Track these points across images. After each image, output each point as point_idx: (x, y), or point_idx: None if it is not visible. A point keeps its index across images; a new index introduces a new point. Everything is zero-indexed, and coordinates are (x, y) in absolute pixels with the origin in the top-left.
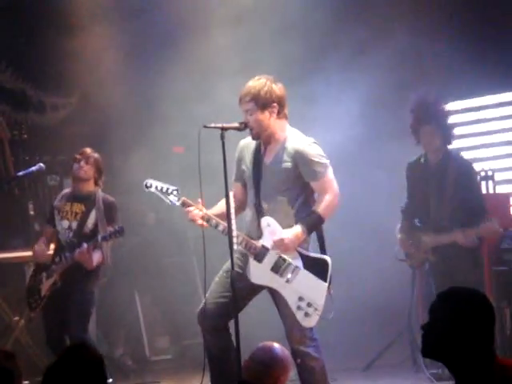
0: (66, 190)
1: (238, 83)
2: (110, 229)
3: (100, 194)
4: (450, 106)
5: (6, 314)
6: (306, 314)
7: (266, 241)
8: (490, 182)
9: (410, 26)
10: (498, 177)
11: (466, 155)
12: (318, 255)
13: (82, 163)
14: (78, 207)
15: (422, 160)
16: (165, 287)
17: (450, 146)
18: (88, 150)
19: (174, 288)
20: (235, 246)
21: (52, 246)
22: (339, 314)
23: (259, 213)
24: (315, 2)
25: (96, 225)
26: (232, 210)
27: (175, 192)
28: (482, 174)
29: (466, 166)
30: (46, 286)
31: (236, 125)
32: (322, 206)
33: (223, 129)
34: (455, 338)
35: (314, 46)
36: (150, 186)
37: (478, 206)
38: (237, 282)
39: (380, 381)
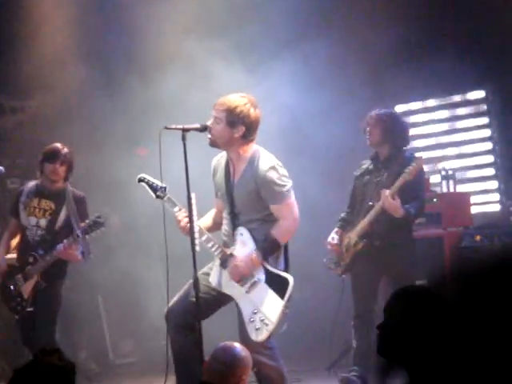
0: (31, 185)
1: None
2: (88, 222)
3: (69, 189)
4: (413, 106)
5: None
6: (257, 329)
7: (236, 250)
8: (451, 181)
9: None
10: (458, 176)
11: (427, 154)
12: (281, 272)
13: (57, 165)
14: (47, 204)
15: (370, 158)
16: (128, 290)
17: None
18: (61, 149)
19: (138, 291)
20: (197, 248)
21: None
22: (305, 312)
23: (234, 223)
24: None
25: (66, 221)
26: (195, 212)
27: (163, 189)
28: (443, 173)
29: (410, 158)
30: (27, 287)
31: (197, 126)
32: (279, 232)
33: (184, 130)
34: (409, 336)
35: None
36: (143, 180)
37: (415, 191)
38: (210, 288)
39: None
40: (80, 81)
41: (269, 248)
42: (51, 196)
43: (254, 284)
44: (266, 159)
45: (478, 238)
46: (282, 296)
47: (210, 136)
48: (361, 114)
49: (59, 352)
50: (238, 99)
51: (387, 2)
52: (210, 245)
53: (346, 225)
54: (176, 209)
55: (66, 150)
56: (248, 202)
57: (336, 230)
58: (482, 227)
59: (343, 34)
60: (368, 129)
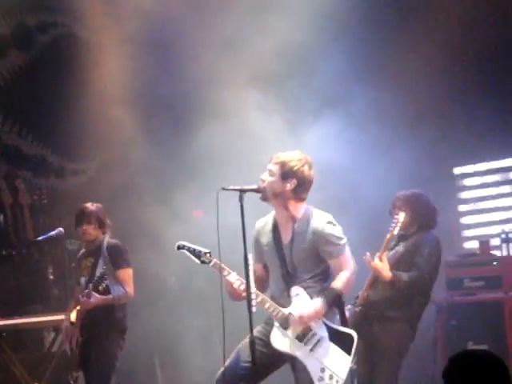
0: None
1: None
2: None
3: (106, 240)
4: (473, 168)
5: (24, 379)
6: None
7: (294, 309)
8: (511, 245)
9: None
10: None
11: (486, 217)
12: (344, 329)
13: (85, 227)
14: (89, 260)
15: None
16: (185, 351)
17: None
18: (84, 208)
19: (194, 352)
20: (254, 309)
21: None
22: None
23: (288, 282)
24: None
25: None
26: (251, 273)
27: (207, 255)
28: (503, 235)
29: (430, 239)
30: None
31: (255, 187)
32: (341, 282)
33: (242, 191)
34: None
35: None
36: (183, 247)
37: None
38: (262, 349)
39: None
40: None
41: (332, 299)
42: (92, 252)
43: (318, 342)
44: (322, 215)
45: None
46: (348, 352)
47: (263, 190)
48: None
49: None
50: (295, 155)
51: (440, 60)
52: (266, 306)
53: None
54: (225, 273)
55: (88, 208)
56: (303, 261)
57: None
58: None
59: (391, 89)
60: (396, 212)
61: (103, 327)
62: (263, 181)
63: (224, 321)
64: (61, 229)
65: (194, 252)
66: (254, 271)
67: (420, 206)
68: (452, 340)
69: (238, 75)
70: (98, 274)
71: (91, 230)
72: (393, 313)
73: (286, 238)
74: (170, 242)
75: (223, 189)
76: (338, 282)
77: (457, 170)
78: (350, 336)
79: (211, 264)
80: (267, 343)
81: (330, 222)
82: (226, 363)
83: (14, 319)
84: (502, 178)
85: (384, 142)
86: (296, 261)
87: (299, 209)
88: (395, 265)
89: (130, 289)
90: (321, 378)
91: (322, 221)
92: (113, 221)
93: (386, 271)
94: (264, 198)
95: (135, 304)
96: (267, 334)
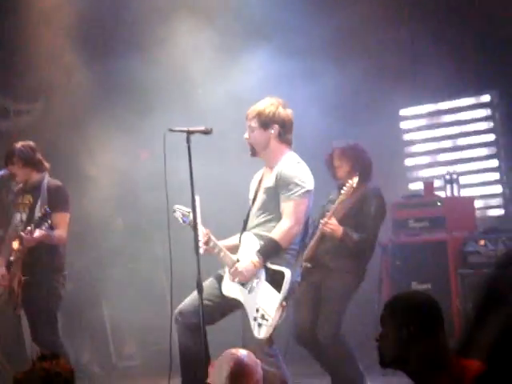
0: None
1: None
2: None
3: (46, 180)
4: (417, 110)
5: None
6: (259, 325)
7: (242, 254)
8: (455, 186)
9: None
10: (462, 180)
11: (431, 159)
12: (278, 267)
13: (10, 168)
14: (27, 198)
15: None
16: (131, 292)
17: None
18: (9, 149)
19: (141, 294)
20: (201, 251)
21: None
22: None
23: (244, 227)
24: None
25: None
26: (199, 215)
27: (188, 213)
28: (447, 177)
29: (374, 191)
30: (15, 284)
31: (202, 128)
32: (279, 233)
33: (189, 132)
34: (406, 344)
35: None
36: (175, 211)
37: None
38: (218, 294)
39: None
40: (84, 84)
41: (270, 250)
42: (30, 190)
43: (256, 284)
44: (293, 158)
45: (482, 242)
46: (278, 289)
47: (250, 146)
48: (363, 115)
49: (58, 357)
50: (267, 102)
51: (391, 2)
52: (216, 251)
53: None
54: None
55: (15, 148)
56: (264, 203)
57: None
58: (486, 232)
59: (349, 36)
60: (335, 164)
61: (45, 266)
62: (248, 139)
63: (171, 266)
64: (5, 170)
65: (183, 215)
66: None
67: (359, 156)
68: (396, 280)
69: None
70: (36, 213)
71: (17, 171)
72: (339, 263)
73: (264, 182)
74: (114, 183)
75: (170, 130)
76: (276, 232)
77: (402, 112)
78: (281, 273)
79: (188, 223)
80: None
81: (297, 164)
82: (186, 300)
83: None
84: (448, 120)
85: (324, 78)
86: (258, 204)
87: (282, 152)
88: (342, 220)
89: (63, 232)
90: (255, 318)
91: (288, 162)
92: (57, 162)
93: (338, 231)
94: (254, 154)
95: (80, 246)
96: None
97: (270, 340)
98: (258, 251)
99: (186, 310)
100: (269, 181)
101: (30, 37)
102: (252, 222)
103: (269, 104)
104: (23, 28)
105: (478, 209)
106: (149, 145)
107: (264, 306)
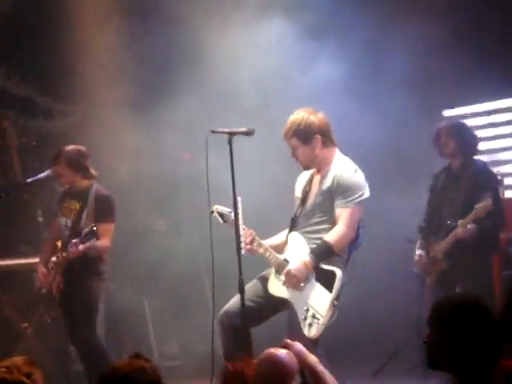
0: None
1: None
2: (86, 230)
3: (94, 188)
4: (461, 110)
5: (15, 321)
6: (310, 325)
7: (289, 254)
8: (500, 187)
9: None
10: (507, 181)
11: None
12: (329, 266)
13: (55, 167)
14: (73, 204)
15: (444, 169)
16: (174, 293)
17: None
18: (57, 150)
19: (184, 294)
20: (243, 252)
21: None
22: (350, 319)
23: (292, 227)
24: None
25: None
26: (240, 216)
27: (229, 214)
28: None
29: (485, 169)
30: (54, 288)
31: (244, 129)
32: (335, 237)
33: (231, 134)
34: (454, 347)
35: None
36: (213, 212)
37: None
38: (264, 294)
39: None
40: (128, 90)
41: (322, 253)
42: (76, 196)
43: (306, 283)
44: (347, 162)
45: None
46: (329, 289)
47: (300, 163)
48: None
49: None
50: (296, 118)
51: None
52: (261, 250)
53: (427, 236)
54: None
55: (64, 149)
56: (316, 205)
57: (419, 243)
58: None
59: (390, 40)
60: (442, 141)
61: (87, 270)
62: (296, 158)
63: (213, 267)
64: (50, 171)
65: (222, 215)
66: None
67: (466, 134)
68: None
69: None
70: (82, 221)
71: (62, 171)
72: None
73: (315, 185)
74: (158, 183)
75: (212, 131)
76: (330, 236)
77: (447, 113)
78: (333, 273)
79: (228, 223)
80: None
81: (353, 171)
82: (230, 302)
83: (3, 260)
84: (492, 120)
85: (371, 89)
86: (309, 205)
87: (327, 155)
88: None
89: (107, 242)
90: (305, 318)
91: (344, 167)
92: (101, 162)
93: (475, 234)
94: (306, 168)
95: (124, 246)
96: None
97: (316, 340)
98: (311, 252)
99: (230, 311)
100: (323, 183)
101: (74, 38)
102: (302, 222)
103: (301, 118)
104: (68, 29)
105: None
106: (191, 145)
107: (315, 306)
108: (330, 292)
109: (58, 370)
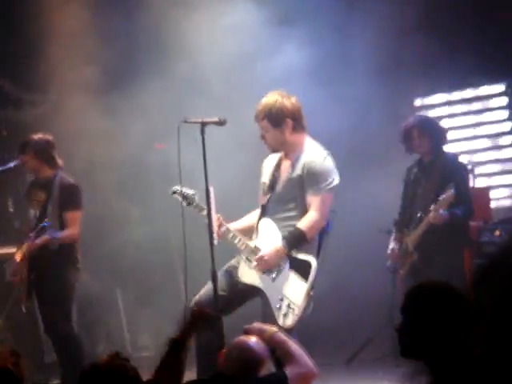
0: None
1: None
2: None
3: (58, 177)
4: (432, 100)
5: None
6: (284, 314)
7: (260, 241)
8: (470, 176)
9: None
10: (477, 170)
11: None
12: (304, 256)
13: (22, 156)
14: (39, 195)
15: (416, 163)
16: (146, 283)
17: (444, 148)
18: (25, 139)
19: (156, 284)
20: (216, 242)
21: None
22: (322, 308)
23: (263, 213)
24: None
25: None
26: (213, 206)
27: (193, 196)
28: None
29: (453, 160)
30: (24, 279)
31: (216, 119)
32: (307, 224)
33: (203, 123)
34: (427, 334)
35: None
36: (176, 192)
37: (460, 196)
38: (237, 279)
39: (362, 375)
40: (95, 77)
41: (295, 240)
42: (42, 186)
43: (279, 272)
44: (318, 149)
45: (497, 232)
46: (305, 279)
47: (268, 145)
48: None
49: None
50: (268, 100)
51: None
52: (229, 236)
53: (401, 229)
54: (204, 213)
55: (31, 138)
56: (286, 191)
57: (394, 236)
58: (502, 222)
59: (362, 31)
60: (415, 141)
61: (58, 259)
62: (265, 141)
63: (186, 256)
64: (18, 160)
65: (184, 196)
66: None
67: (434, 128)
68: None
69: None
70: (49, 214)
71: (28, 160)
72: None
73: (284, 170)
74: (129, 171)
75: (185, 121)
76: (303, 222)
77: (417, 102)
78: (307, 263)
79: (194, 205)
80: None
81: (324, 158)
82: (201, 291)
83: None
84: (464, 110)
85: (339, 75)
86: (278, 192)
87: (298, 141)
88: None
89: (73, 230)
90: (279, 308)
91: (315, 154)
92: (73, 152)
93: (445, 217)
94: (274, 151)
95: (97, 234)
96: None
97: (291, 329)
98: (284, 239)
99: (200, 301)
100: (293, 170)
101: (41, 23)
102: (272, 209)
103: (273, 101)
104: (37, 16)
105: (494, 199)
106: (161, 132)
107: (290, 295)
108: (305, 281)
109: (30, 360)
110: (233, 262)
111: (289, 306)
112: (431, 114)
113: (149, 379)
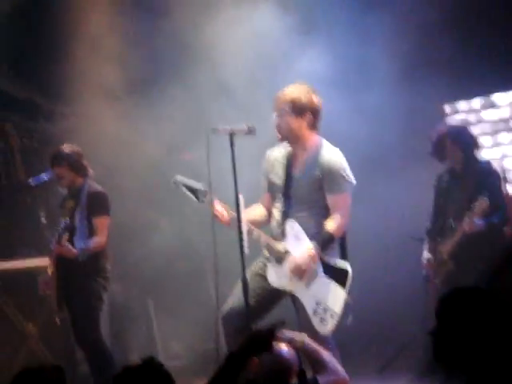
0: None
1: None
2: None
3: (87, 185)
4: (462, 105)
5: (19, 322)
6: (322, 320)
7: (289, 244)
8: (504, 183)
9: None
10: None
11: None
12: (339, 264)
13: (56, 169)
14: (69, 203)
15: (448, 171)
16: (178, 293)
17: (476, 155)
18: (56, 150)
19: (188, 293)
20: (246, 250)
21: None
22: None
23: (284, 217)
24: None
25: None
26: (242, 214)
27: (203, 191)
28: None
29: (486, 168)
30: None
31: (245, 128)
32: (334, 225)
33: (232, 133)
34: (464, 340)
35: None
36: (178, 183)
37: (494, 203)
38: (264, 284)
39: None
40: (123, 85)
41: (325, 244)
42: (73, 195)
43: (313, 276)
44: (333, 149)
45: None
46: (342, 286)
47: (278, 132)
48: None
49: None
50: (300, 88)
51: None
52: (262, 240)
53: (434, 238)
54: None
55: (62, 150)
56: (306, 192)
57: (427, 246)
58: None
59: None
60: (448, 151)
61: (86, 269)
62: (279, 127)
63: (217, 264)
64: (51, 172)
65: (190, 188)
66: (263, 202)
67: (465, 137)
68: None
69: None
70: (77, 221)
71: (63, 173)
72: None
73: (297, 169)
74: (158, 184)
75: (213, 131)
76: (331, 225)
77: (447, 108)
78: (344, 270)
79: (206, 201)
80: (265, 278)
81: (340, 157)
82: (230, 302)
83: (7, 262)
84: (495, 116)
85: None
86: (299, 192)
87: (312, 140)
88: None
89: (101, 238)
90: (315, 312)
91: (333, 154)
92: (100, 161)
93: (481, 227)
94: (282, 139)
95: (127, 244)
96: (265, 271)
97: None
98: (316, 243)
99: (231, 312)
100: (310, 170)
101: (76, 38)
102: (294, 210)
103: (304, 91)
104: (70, 28)
105: None
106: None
107: (326, 301)
108: (341, 287)
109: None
110: (255, 268)
111: (326, 312)
112: (460, 119)
113: None
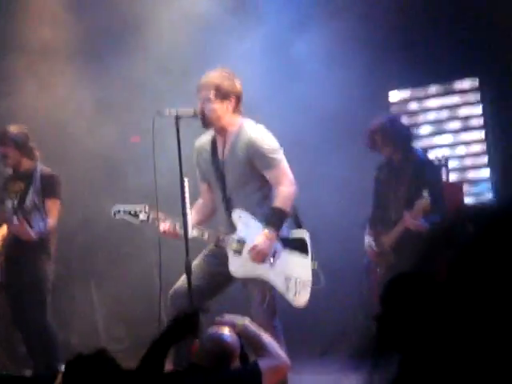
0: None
1: None
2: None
3: (38, 168)
4: (405, 94)
5: None
6: (296, 293)
7: (241, 234)
8: (444, 170)
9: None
10: (451, 164)
11: (420, 143)
12: (295, 235)
13: (3, 149)
14: (18, 185)
15: (386, 163)
16: (121, 276)
17: (413, 145)
18: (3, 130)
19: (131, 277)
20: (194, 232)
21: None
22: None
23: (228, 207)
24: None
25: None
26: (187, 200)
27: (144, 210)
28: (437, 162)
29: (423, 161)
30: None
31: (191, 111)
32: (281, 200)
33: (178, 117)
34: (409, 325)
35: None
36: (119, 212)
37: (436, 201)
38: (216, 267)
39: (335, 368)
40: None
41: (278, 220)
42: (21, 177)
43: (274, 255)
44: (255, 126)
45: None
46: (305, 254)
47: (203, 117)
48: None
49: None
50: (223, 73)
51: None
52: (205, 236)
53: (376, 226)
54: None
55: (10, 130)
56: (241, 175)
57: (369, 232)
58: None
59: (337, 23)
60: (379, 146)
61: (33, 250)
62: (202, 110)
63: (160, 250)
64: None
65: (130, 213)
66: (202, 195)
67: (400, 130)
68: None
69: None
70: (28, 202)
71: (9, 152)
72: None
73: (223, 153)
74: (102, 167)
75: (159, 114)
76: (279, 200)
77: (392, 95)
78: (302, 240)
79: (150, 221)
80: (220, 263)
81: (264, 134)
82: (176, 284)
83: None
84: (436, 104)
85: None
86: (232, 176)
87: (236, 123)
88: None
89: (54, 220)
90: (288, 288)
91: (253, 131)
92: (49, 145)
93: (422, 227)
94: (207, 126)
95: (72, 228)
96: (218, 254)
97: (275, 312)
98: (268, 224)
99: (176, 293)
100: (236, 151)
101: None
102: (235, 195)
103: (226, 76)
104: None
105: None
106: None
107: (295, 273)
108: (305, 255)
109: (2, 351)
110: (206, 252)
111: (296, 283)
112: (405, 108)
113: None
